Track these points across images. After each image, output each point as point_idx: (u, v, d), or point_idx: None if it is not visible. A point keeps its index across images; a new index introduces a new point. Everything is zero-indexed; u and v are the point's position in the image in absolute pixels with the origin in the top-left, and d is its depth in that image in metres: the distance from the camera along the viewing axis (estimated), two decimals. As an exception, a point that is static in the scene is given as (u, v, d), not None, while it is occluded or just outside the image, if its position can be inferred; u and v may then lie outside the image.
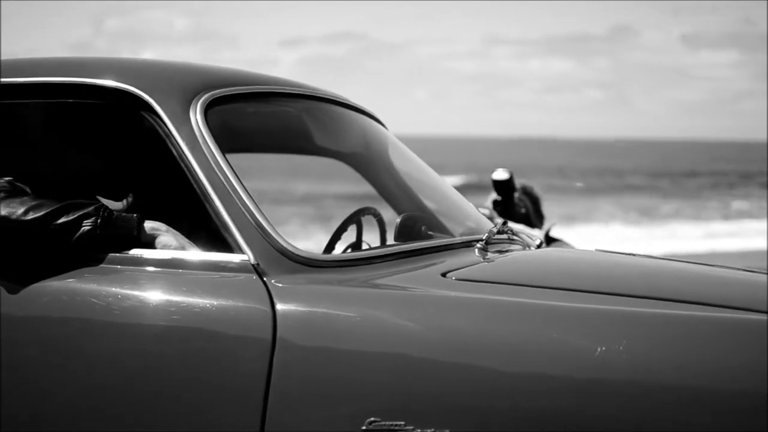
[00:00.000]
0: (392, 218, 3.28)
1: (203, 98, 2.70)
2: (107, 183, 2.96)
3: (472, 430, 2.14)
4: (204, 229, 2.67)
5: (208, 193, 2.55)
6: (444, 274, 2.59)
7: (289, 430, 2.27)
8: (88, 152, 2.99)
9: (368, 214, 3.42)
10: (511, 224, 3.27)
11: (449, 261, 2.80)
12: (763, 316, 2.25)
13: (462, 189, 3.68)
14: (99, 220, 2.49)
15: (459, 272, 2.62)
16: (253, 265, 2.44)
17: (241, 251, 2.48)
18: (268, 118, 3.34)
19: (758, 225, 28.30)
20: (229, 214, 2.52)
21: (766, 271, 3.02)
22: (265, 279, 2.42)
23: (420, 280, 2.59)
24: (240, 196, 2.54)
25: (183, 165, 2.59)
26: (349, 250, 3.40)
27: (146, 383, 2.40)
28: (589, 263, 3.07)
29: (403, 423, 2.17)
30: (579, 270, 2.91)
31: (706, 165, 72.00)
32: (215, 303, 2.39)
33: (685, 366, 2.09)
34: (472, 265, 2.76)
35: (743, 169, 63.43)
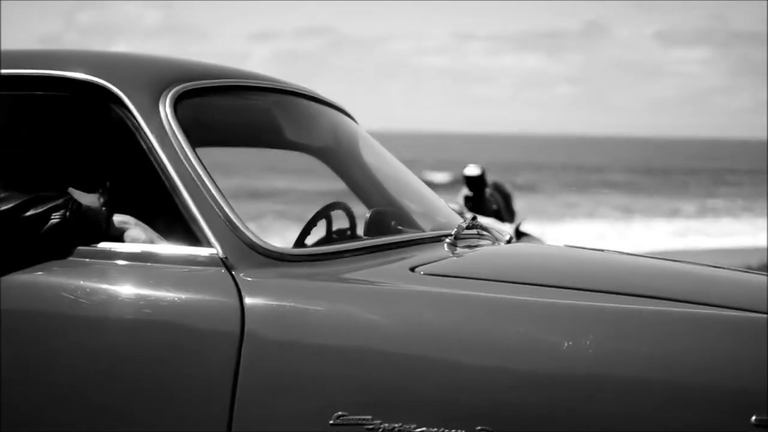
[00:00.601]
0: (362, 213, 3.29)
1: (173, 91, 2.70)
2: (77, 176, 2.95)
3: (438, 424, 2.15)
4: (173, 222, 2.66)
5: (176, 186, 2.54)
6: (413, 269, 2.59)
7: (256, 423, 2.27)
8: (58, 145, 2.98)
9: (338, 208, 3.42)
10: (481, 219, 3.28)
11: (418, 255, 2.80)
12: (718, 310, 2.29)
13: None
14: (68, 213, 2.49)
15: (427, 267, 2.63)
16: (221, 259, 2.44)
17: (209, 245, 2.47)
18: (237, 111, 3.33)
19: (732, 223, 28.46)
20: (198, 208, 2.51)
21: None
22: (233, 273, 2.42)
23: (388, 275, 2.60)
24: (209, 189, 2.54)
25: (152, 158, 2.59)
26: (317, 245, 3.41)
27: (114, 376, 2.39)
28: (558, 258, 3.08)
29: (370, 417, 2.18)
30: (547, 265, 2.92)
31: (680, 162, 72.31)
32: (183, 296, 2.39)
33: (652, 359, 2.11)
34: (440, 259, 2.77)
35: (717, 167, 63.73)
